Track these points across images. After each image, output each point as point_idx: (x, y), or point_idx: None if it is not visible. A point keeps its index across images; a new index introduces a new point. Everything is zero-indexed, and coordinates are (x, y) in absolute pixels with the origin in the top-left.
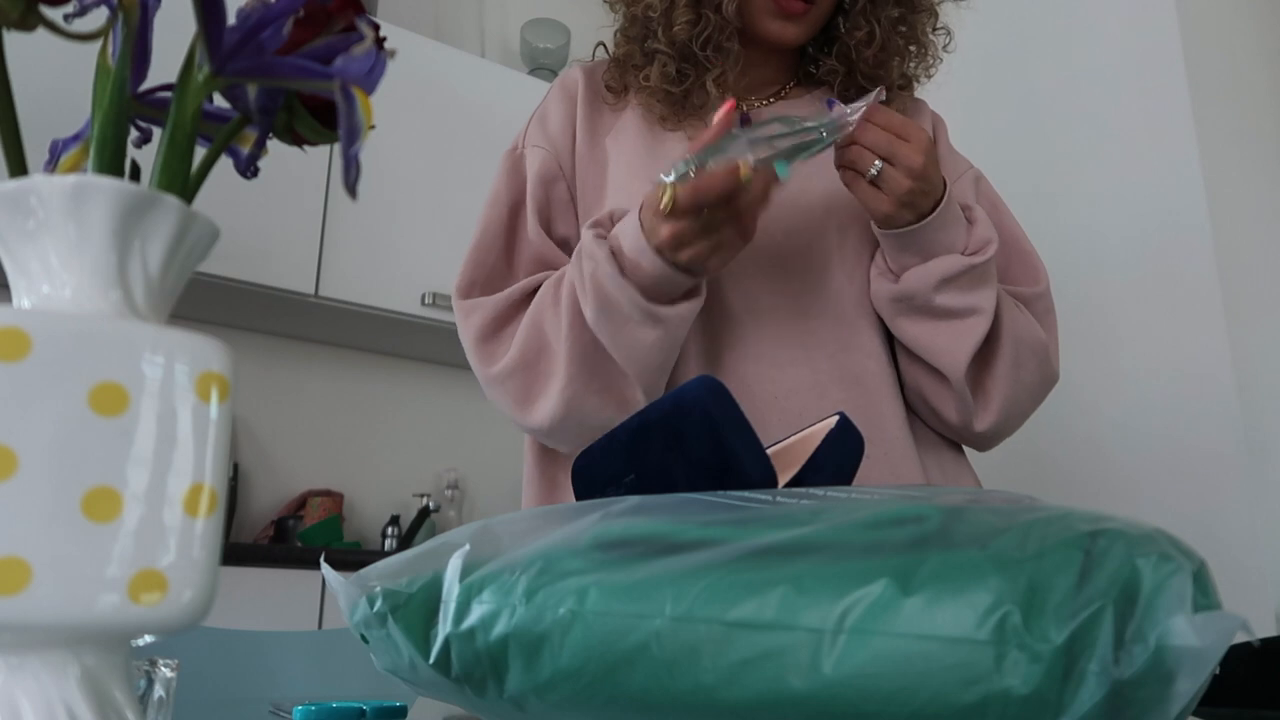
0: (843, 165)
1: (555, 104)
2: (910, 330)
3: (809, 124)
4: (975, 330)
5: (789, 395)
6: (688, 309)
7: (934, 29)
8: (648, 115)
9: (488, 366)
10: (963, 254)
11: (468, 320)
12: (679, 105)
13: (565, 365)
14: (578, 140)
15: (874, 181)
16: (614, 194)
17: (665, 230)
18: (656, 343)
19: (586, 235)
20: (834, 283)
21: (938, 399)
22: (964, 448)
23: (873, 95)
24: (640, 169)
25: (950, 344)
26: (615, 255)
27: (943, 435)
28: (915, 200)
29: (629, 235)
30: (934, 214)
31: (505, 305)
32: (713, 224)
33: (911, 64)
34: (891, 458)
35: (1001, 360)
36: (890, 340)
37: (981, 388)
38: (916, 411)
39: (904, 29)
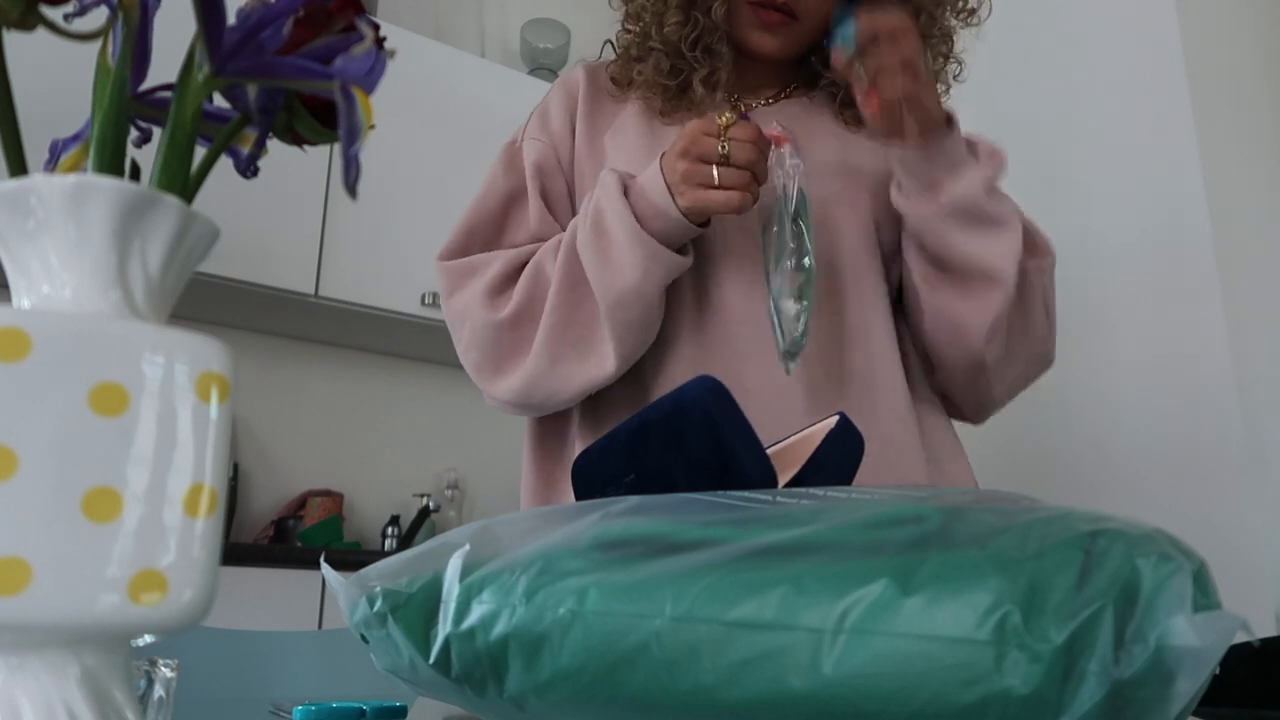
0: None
1: (556, 101)
2: (960, 241)
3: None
4: (1017, 234)
5: (779, 393)
6: (675, 258)
7: (947, 57)
8: (647, 109)
9: (496, 313)
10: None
11: (480, 273)
12: (675, 99)
13: (549, 311)
14: (577, 137)
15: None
16: None
17: (701, 148)
18: (634, 268)
19: (604, 171)
20: (836, 280)
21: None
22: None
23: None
24: (639, 162)
25: (1004, 248)
26: (625, 184)
27: (941, 423)
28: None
29: (648, 174)
30: (952, 122)
31: (516, 261)
32: (733, 156)
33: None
34: (887, 455)
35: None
36: (897, 328)
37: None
38: (939, 355)
39: None
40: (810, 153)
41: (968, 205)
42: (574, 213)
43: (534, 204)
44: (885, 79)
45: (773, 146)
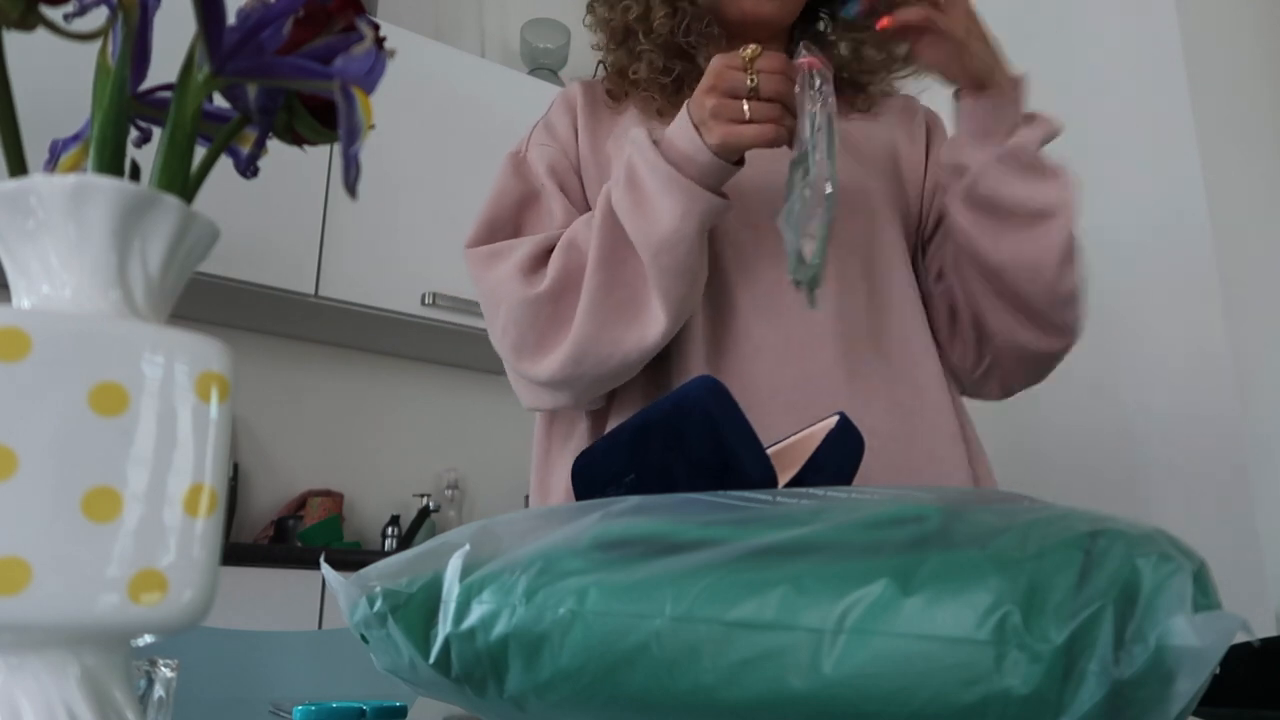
0: (924, 30)
1: (559, 113)
2: (1022, 185)
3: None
4: (1068, 187)
5: (793, 388)
6: (713, 199)
7: None
8: (646, 113)
9: (532, 288)
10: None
11: (511, 257)
12: (673, 95)
13: (590, 274)
14: (580, 146)
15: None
16: None
17: (730, 79)
18: (672, 212)
19: (635, 130)
20: (856, 274)
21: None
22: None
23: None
24: None
25: (1058, 191)
26: (655, 138)
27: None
28: (974, 36)
29: (677, 121)
30: (1020, 86)
31: (546, 241)
32: (759, 89)
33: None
34: (928, 443)
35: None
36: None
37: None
38: (1024, 299)
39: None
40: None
41: (1021, 154)
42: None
43: (558, 200)
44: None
45: (802, 72)
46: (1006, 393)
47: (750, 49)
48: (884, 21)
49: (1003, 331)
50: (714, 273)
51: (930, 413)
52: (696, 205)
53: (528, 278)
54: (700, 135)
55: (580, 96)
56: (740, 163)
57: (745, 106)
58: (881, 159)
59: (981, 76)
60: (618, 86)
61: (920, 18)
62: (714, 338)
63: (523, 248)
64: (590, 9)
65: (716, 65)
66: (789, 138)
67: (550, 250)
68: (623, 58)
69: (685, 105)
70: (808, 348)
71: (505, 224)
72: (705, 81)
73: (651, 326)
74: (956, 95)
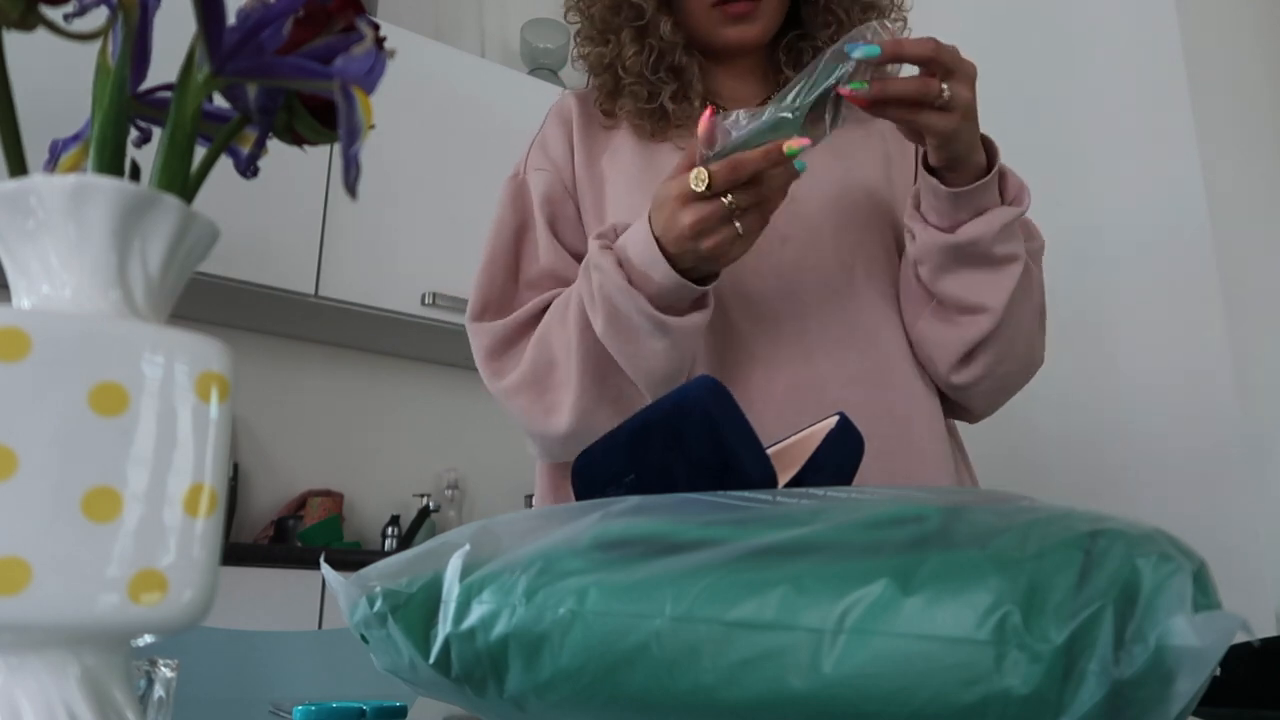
0: (899, 99)
1: (553, 129)
2: (958, 280)
3: (822, 73)
4: (1016, 273)
5: (790, 393)
6: (698, 319)
7: (892, 19)
8: (638, 133)
9: (498, 381)
10: (1006, 203)
11: (478, 341)
12: (660, 120)
13: (576, 378)
14: (576, 163)
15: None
16: (614, 210)
17: (689, 217)
18: (665, 352)
19: (593, 247)
20: (840, 284)
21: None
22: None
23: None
24: (637, 184)
25: (996, 286)
26: (622, 265)
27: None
28: (973, 113)
29: (637, 244)
30: (992, 171)
31: (514, 326)
32: (738, 206)
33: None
34: (912, 437)
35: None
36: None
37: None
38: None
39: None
40: (814, 178)
41: (975, 246)
42: (585, 234)
43: (542, 239)
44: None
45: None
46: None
47: (696, 179)
48: (876, 90)
49: (935, 356)
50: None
51: (921, 420)
52: (685, 340)
53: (494, 362)
54: (672, 265)
55: (575, 110)
56: (715, 275)
57: (737, 225)
58: (869, 166)
59: (962, 157)
60: (608, 107)
61: (932, 92)
62: (712, 350)
63: (488, 334)
64: (576, 43)
65: (687, 218)
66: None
67: (519, 329)
68: (609, 84)
69: (657, 237)
70: (797, 358)
71: (499, 275)
72: (684, 224)
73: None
74: (924, 161)
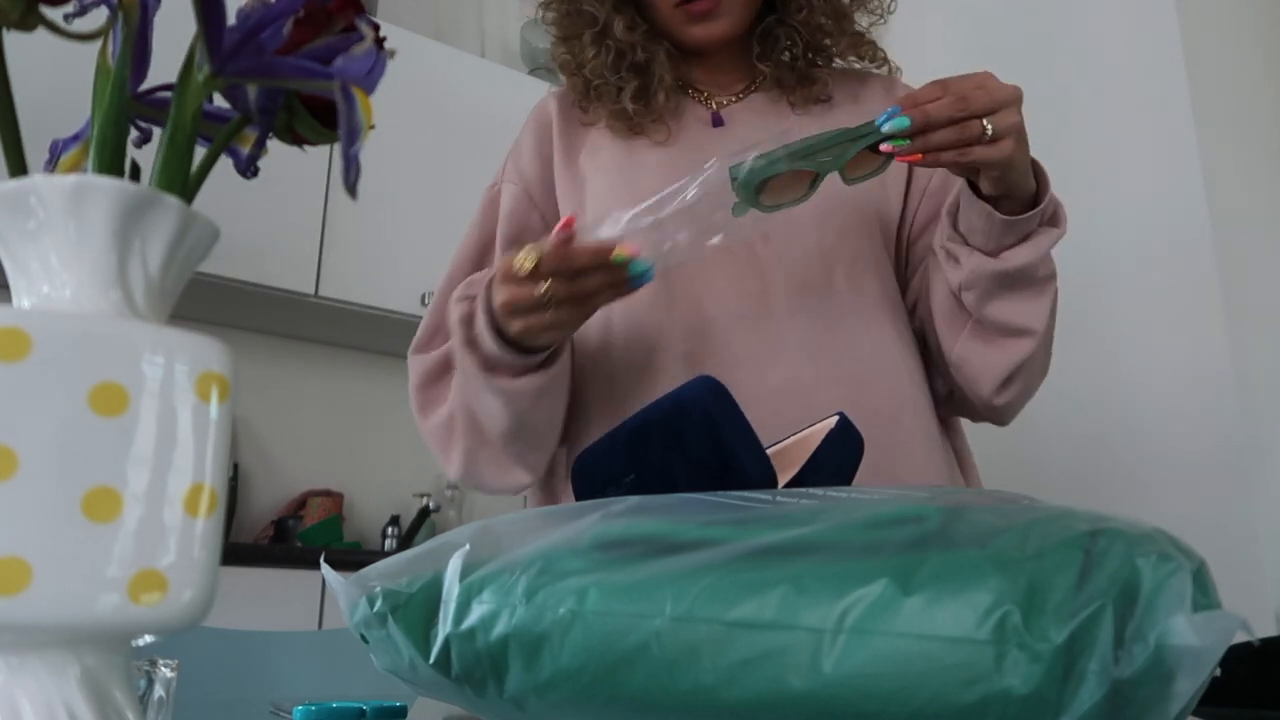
0: (942, 147)
1: (528, 136)
2: (1005, 304)
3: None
4: (1053, 292)
5: (766, 391)
6: (531, 382)
7: (871, 6)
8: (614, 130)
9: (422, 419)
10: (1045, 222)
11: (411, 374)
12: (631, 119)
13: (459, 426)
14: (555, 163)
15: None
16: (593, 207)
17: (503, 294)
18: (501, 409)
19: (454, 303)
20: (821, 282)
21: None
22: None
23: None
24: (617, 178)
25: (1039, 308)
26: (466, 323)
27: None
28: (1024, 137)
29: (480, 304)
30: (1046, 198)
31: (440, 361)
32: (556, 296)
33: (863, 20)
34: (898, 439)
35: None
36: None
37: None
38: (961, 384)
39: None
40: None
41: (1023, 272)
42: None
43: (498, 260)
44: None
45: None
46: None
47: (522, 260)
48: (920, 144)
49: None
50: (685, 291)
51: (908, 419)
52: (519, 402)
53: (418, 398)
54: (496, 332)
55: (554, 109)
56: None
57: (549, 315)
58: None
59: (1017, 184)
60: (584, 106)
61: (974, 133)
62: (691, 352)
63: (415, 369)
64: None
65: (500, 296)
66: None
67: (440, 366)
68: (579, 85)
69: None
70: (782, 356)
71: (459, 276)
72: (499, 301)
73: (521, 468)
74: (970, 186)
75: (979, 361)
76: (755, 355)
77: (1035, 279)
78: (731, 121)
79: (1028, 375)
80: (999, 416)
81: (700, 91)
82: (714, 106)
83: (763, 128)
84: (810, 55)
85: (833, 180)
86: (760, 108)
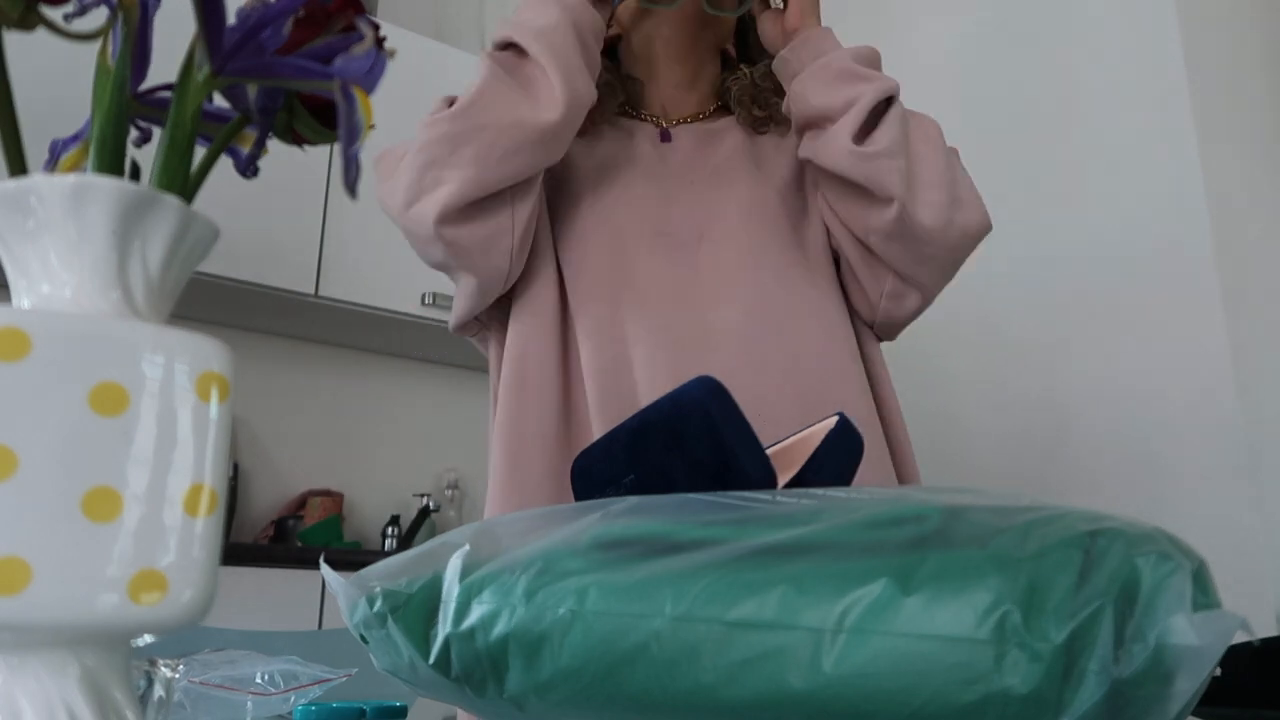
0: None
1: None
2: (822, 94)
3: None
4: (885, 83)
5: (709, 336)
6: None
7: None
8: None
9: (440, 112)
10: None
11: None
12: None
13: (553, 54)
14: None
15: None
16: (579, 204)
17: None
18: (545, 12)
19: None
20: (750, 279)
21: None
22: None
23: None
24: (609, 162)
25: (868, 87)
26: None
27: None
28: None
29: None
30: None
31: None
32: None
33: None
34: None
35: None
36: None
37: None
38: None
39: None
40: (732, 184)
41: (830, 65)
42: (546, 230)
43: None
44: None
45: None
46: (922, 292)
47: None
48: None
49: (856, 223)
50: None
51: (842, 407)
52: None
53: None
54: None
55: None
56: None
57: None
58: (784, 170)
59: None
60: None
61: None
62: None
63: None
64: None
65: None
66: None
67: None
68: None
69: None
70: (703, 352)
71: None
72: None
73: (549, 104)
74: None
75: (828, 104)
76: (688, 346)
77: (854, 72)
78: None
79: (891, 125)
80: (874, 175)
81: (665, 119)
82: (663, 124)
83: None
84: (769, 86)
85: (760, 186)
86: (706, 133)
